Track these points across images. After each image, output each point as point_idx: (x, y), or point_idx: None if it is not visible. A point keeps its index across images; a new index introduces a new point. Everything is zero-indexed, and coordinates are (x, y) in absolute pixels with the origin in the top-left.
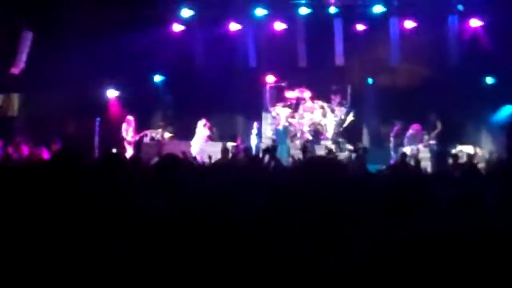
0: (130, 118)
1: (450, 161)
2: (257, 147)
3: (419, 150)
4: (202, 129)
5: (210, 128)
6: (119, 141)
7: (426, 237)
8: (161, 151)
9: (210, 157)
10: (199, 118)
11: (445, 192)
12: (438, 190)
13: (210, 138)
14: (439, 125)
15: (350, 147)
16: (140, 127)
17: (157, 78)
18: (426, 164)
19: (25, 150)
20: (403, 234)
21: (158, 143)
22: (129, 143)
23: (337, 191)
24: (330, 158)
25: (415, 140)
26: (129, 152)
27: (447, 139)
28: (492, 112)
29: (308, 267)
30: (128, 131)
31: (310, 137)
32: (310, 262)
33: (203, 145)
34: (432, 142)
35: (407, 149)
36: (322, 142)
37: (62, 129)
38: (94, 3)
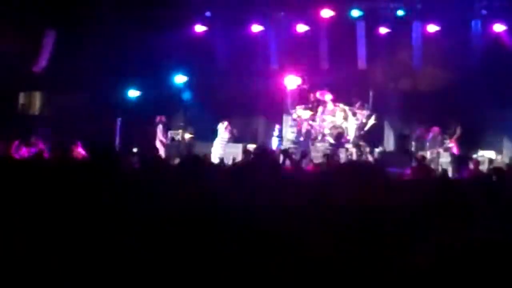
0: (163, 119)
1: (471, 166)
2: (278, 149)
3: (439, 154)
4: (223, 131)
5: (231, 131)
6: (140, 142)
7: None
8: (189, 151)
9: (221, 160)
10: (220, 119)
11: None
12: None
13: (231, 140)
14: (458, 131)
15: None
16: None
17: (179, 79)
18: (447, 169)
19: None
20: (462, 239)
21: (186, 144)
22: (163, 143)
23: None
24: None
25: (435, 143)
26: (162, 152)
27: (468, 144)
28: None
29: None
30: (162, 132)
31: (332, 140)
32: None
33: (224, 146)
34: (451, 146)
35: (427, 153)
36: (345, 146)
37: (83, 129)
38: (117, 3)
